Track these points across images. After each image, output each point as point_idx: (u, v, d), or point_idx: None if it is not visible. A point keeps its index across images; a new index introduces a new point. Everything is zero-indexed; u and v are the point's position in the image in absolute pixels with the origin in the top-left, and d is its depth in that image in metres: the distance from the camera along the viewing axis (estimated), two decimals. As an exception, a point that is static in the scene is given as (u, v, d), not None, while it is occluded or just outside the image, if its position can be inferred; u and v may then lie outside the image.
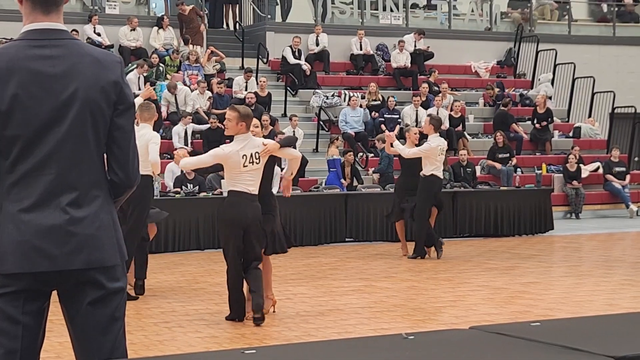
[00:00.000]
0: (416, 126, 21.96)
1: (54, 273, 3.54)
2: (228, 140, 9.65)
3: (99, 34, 21.99)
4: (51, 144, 3.55)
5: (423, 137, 14.81)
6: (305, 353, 3.31)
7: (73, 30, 21.04)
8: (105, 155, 3.72)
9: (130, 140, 3.74)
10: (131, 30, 22.43)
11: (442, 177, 14.34)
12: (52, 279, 3.56)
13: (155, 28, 22.95)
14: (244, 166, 8.72)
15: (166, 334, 8.56)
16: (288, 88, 22.93)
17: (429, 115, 15.43)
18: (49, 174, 3.55)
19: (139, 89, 20.61)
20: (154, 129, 10.62)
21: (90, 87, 3.59)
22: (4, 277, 3.52)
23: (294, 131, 20.14)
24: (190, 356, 3.81)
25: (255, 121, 9.19)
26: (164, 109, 20.39)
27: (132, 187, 3.81)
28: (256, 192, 8.80)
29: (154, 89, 20.97)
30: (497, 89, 24.89)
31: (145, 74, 21.01)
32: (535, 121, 23.73)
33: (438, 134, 14.15)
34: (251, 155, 8.80)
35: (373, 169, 20.20)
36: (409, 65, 24.78)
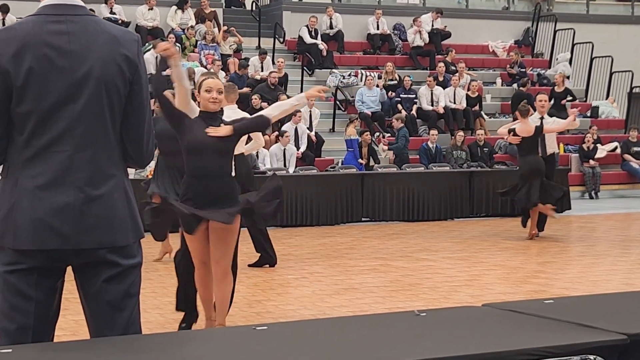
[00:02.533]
0: (432, 105, 21.95)
1: (67, 251, 3.54)
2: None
3: (114, 13, 21.98)
4: (66, 121, 3.54)
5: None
6: (315, 330, 3.31)
7: (90, 9, 21.01)
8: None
9: (145, 120, 3.71)
10: (149, 9, 22.41)
11: None
12: (65, 256, 3.57)
13: (174, 7, 22.92)
14: None
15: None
16: (305, 68, 22.87)
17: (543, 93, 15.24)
18: (64, 151, 3.54)
19: (155, 69, 20.62)
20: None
21: (106, 64, 3.57)
22: (17, 252, 3.52)
23: (310, 111, 20.11)
24: (203, 332, 3.82)
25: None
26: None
27: (143, 166, 3.80)
28: None
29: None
30: (519, 61, 24.81)
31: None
32: (553, 100, 23.59)
33: None
34: None
35: (387, 146, 20.13)
36: (427, 43, 24.70)
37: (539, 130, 13.64)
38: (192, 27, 22.48)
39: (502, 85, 24.69)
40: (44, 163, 3.54)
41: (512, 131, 13.73)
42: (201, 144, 6.86)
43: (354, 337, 3.12)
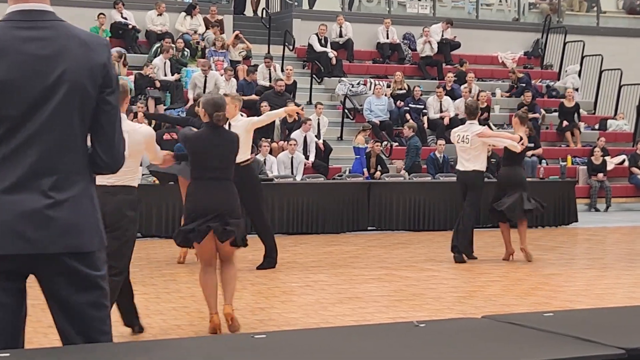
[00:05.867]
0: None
1: (33, 256, 3.50)
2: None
3: (125, 18, 22.08)
4: (35, 125, 3.51)
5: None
6: (313, 339, 3.31)
7: (101, 14, 21.13)
8: (90, 138, 3.69)
9: (115, 124, 3.69)
10: (158, 15, 22.47)
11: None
12: (31, 262, 3.52)
13: (183, 14, 22.98)
14: None
15: (184, 319, 8.59)
16: (314, 76, 22.91)
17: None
18: (31, 156, 3.51)
19: (165, 75, 20.68)
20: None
21: (78, 69, 3.56)
22: None
23: (318, 119, 20.14)
24: (200, 339, 3.81)
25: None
26: (190, 93, 20.38)
27: (115, 171, 3.77)
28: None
29: (180, 77, 21.09)
30: (520, 75, 24.78)
31: (170, 59, 21.05)
32: (560, 115, 23.60)
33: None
34: None
35: (403, 164, 20.06)
36: (436, 54, 24.71)
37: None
38: (195, 32, 22.54)
39: (501, 95, 24.60)
40: (11, 167, 3.50)
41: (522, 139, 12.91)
42: None
43: (350, 347, 3.11)
